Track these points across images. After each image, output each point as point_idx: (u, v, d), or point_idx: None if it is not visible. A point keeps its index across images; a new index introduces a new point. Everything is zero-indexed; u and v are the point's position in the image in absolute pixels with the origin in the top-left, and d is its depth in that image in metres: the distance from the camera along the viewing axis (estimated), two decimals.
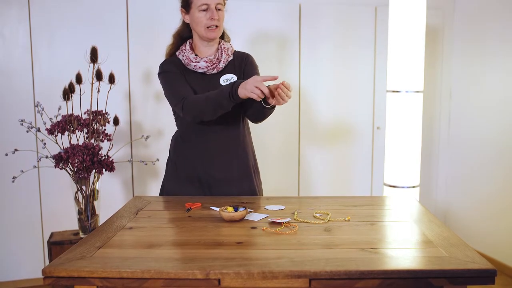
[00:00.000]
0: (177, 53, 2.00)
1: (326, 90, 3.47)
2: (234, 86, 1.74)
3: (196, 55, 1.97)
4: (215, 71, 1.96)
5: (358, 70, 3.52)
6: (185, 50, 1.97)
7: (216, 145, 1.97)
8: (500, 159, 3.26)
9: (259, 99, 1.72)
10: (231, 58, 2.01)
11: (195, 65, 1.94)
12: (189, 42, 2.00)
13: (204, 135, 1.97)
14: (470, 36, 3.54)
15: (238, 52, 2.07)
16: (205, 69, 1.95)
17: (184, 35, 2.04)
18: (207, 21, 1.89)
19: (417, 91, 2.94)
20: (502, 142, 3.24)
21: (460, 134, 3.66)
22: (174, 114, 2.07)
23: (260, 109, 1.85)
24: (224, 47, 1.99)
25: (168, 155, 2.14)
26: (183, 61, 1.97)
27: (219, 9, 1.91)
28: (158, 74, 2.01)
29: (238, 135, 2.01)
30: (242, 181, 2.02)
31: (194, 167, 1.99)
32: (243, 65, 2.02)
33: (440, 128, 3.76)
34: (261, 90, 1.67)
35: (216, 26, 1.92)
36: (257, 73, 2.03)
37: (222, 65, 1.96)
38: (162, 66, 2.01)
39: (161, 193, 2.10)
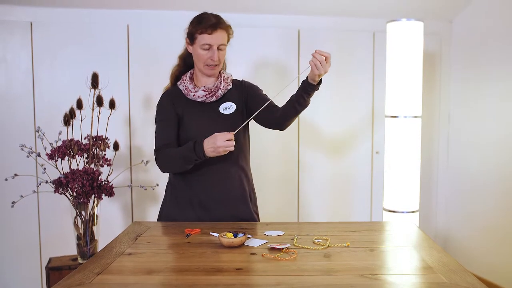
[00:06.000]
0: (178, 83, 2.05)
1: (324, 115, 3.48)
2: (196, 148, 1.83)
3: (194, 85, 2.02)
4: (214, 99, 2.00)
5: (357, 95, 3.55)
6: (185, 80, 2.02)
7: (216, 168, 1.99)
8: (500, 183, 3.26)
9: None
10: (230, 86, 2.05)
11: (194, 95, 1.99)
12: (190, 73, 2.06)
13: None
14: (467, 61, 3.57)
15: (234, 80, 2.11)
16: (204, 98, 1.99)
17: (188, 60, 2.08)
18: (207, 59, 1.95)
19: (416, 116, 2.96)
20: (501, 166, 3.24)
21: (459, 159, 3.67)
22: None
23: (297, 100, 2.02)
24: (224, 76, 2.04)
25: (167, 180, 2.15)
26: (183, 91, 2.02)
27: (221, 49, 1.96)
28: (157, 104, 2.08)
29: (237, 158, 2.03)
30: (240, 204, 2.03)
31: (194, 190, 2.01)
32: (243, 92, 2.07)
33: (439, 153, 3.77)
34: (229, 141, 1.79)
35: (216, 65, 1.97)
36: (261, 92, 2.10)
37: (220, 93, 2.00)
38: (160, 99, 2.08)
39: (159, 216, 2.10)
